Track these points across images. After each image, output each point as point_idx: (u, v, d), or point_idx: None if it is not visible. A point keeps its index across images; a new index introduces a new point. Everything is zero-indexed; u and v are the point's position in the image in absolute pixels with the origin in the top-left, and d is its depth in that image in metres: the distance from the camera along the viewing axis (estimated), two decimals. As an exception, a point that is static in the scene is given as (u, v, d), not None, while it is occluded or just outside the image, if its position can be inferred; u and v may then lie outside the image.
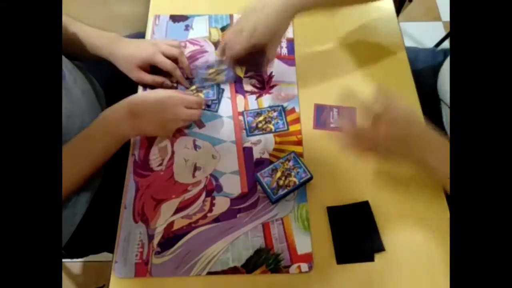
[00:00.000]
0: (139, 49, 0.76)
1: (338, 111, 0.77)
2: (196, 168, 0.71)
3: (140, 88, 0.80)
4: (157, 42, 0.78)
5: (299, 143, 0.74)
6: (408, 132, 0.61)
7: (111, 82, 0.90)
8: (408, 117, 0.62)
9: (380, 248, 0.64)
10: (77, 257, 0.89)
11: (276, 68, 0.83)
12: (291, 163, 0.69)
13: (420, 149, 0.60)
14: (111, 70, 0.78)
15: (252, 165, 0.71)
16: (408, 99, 0.79)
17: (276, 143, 0.74)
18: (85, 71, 0.85)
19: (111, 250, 0.65)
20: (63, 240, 0.75)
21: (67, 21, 0.76)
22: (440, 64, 0.89)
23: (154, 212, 0.67)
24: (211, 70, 0.80)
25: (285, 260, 0.63)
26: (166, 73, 0.78)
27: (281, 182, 0.67)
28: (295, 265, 0.63)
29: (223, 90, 0.79)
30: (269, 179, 0.67)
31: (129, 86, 0.79)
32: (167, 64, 0.76)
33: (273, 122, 0.76)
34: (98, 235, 0.78)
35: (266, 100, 0.78)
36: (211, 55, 0.84)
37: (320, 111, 0.77)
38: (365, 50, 0.84)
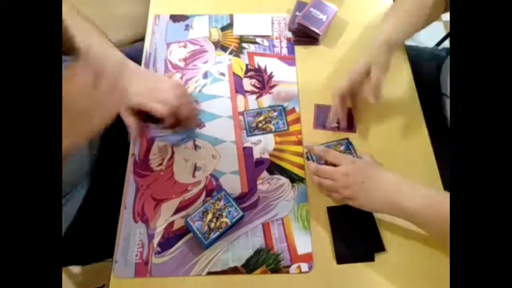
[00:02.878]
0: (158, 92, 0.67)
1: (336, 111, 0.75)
2: (196, 168, 0.71)
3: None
4: (182, 95, 0.69)
5: (299, 143, 0.74)
6: (368, 172, 0.63)
7: None
8: (370, 161, 0.65)
9: (380, 248, 0.64)
10: (77, 264, 0.88)
11: (276, 68, 0.83)
12: (222, 203, 0.66)
13: (386, 191, 0.61)
14: None
15: (252, 165, 0.71)
16: (408, 99, 0.79)
17: (276, 143, 0.74)
18: None
19: (110, 254, 0.65)
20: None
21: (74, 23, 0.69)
22: (443, 59, 0.89)
23: (154, 212, 0.67)
24: (260, 118, 0.76)
25: (285, 260, 0.63)
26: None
27: (212, 225, 0.64)
28: (295, 265, 0.63)
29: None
30: (200, 223, 0.64)
31: None
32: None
33: (273, 122, 0.76)
34: (98, 235, 0.78)
35: (266, 100, 0.78)
36: (211, 54, 0.84)
37: (321, 111, 0.77)
38: (365, 50, 0.84)
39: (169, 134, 0.74)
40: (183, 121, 0.70)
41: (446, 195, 0.57)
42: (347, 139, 0.72)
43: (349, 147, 0.70)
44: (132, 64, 0.70)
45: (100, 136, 0.79)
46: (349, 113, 0.75)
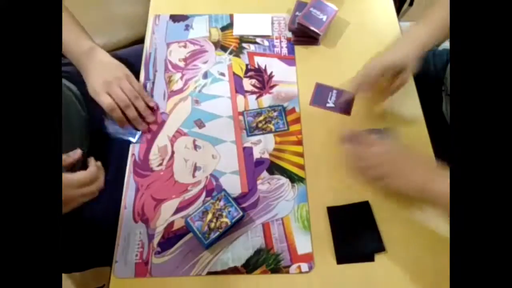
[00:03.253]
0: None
1: (337, 93, 0.79)
2: (196, 168, 0.71)
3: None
4: (136, 95, 0.73)
5: (299, 143, 0.74)
6: (399, 153, 0.64)
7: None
8: (400, 144, 0.67)
9: (380, 248, 0.64)
10: (77, 270, 0.88)
11: (276, 68, 0.83)
12: (222, 203, 0.65)
13: (415, 171, 0.61)
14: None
15: (252, 165, 0.71)
16: (408, 99, 0.79)
17: (276, 143, 0.74)
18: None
19: (110, 258, 0.64)
20: None
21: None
22: (443, 59, 0.89)
23: (154, 212, 0.67)
24: (260, 118, 0.76)
25: (285, 260, 0.63)
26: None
27: (212, 225, 0.64)
28: (295, 265, 0.63)
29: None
30: (200, 223, 0.64)
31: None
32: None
33: (273, 122, 0.76)
34: (98, 236, 0.78)
35: (266, 100, 0.78)
36: (211, 54, 0.84)
37: (320, 90, 0.79)
38: (365, 50, 0.84)
39: (118, 128, 0.74)
40: (131, 119, 0.73)
41: None
42: (224, 190, 0.68)
43: (228, 199, 0.66)
44: (100, 54, 0.73)
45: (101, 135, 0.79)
46: (347, 97, 0.77)
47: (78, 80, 0.76)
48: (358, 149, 0.66)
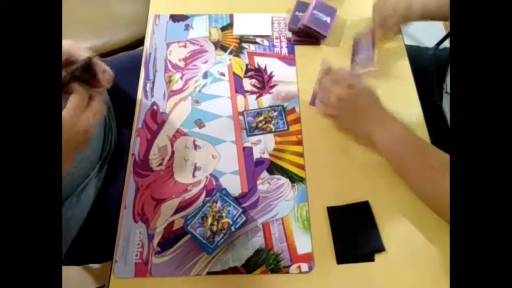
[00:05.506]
0: None
1: None
2: (196, 168, 0.71)
3: (140, 89, 0.80)
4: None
5: (299, 143, 0.74)
6: (359, 101, 0.67)
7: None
8: (365, 92, 0.69)
9: (380, 248, 0.64)
10: (78, 264, 0.88)
11: (276, 68, 0.83)
12: (219, 204, 0.65)
13: (367, 121, 0.67)
14: (111, 67, 0.76)
15: (252, 165, 0.71)
16: (409, 99, 0.79)
17: (276, 143, 0.74)
18: None
19: (110, 255, 0.64)
20: (68, 240, 0.75)
21: None
22: (443, 59, 0.90)
23: (154, 212, 0.67)
24: (260, 118, 0.76)
25: (285, 260, 0.63)
26: None
27: (214, 228, 0.63)
28: (295, 265, 0.63)
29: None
30: (202, 229, 0.63)
31: (131, 84, 0.79)
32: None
33: (273, 122, 0.76)
34: (98, 236, 0.78)
35: (266, 100, 0.78)
36: (211, 54, 0.84)
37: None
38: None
39: None
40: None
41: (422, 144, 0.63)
42: (218, 191, 0.67)
43: (224, 199, 0.65)
44: None
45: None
46: None
47: None
48: (326, 84, 0.69)
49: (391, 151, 0.65)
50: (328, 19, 0.84)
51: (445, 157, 0.59)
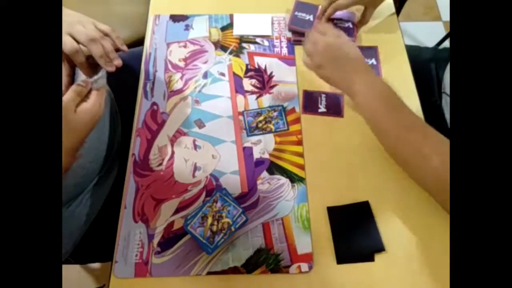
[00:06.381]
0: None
1: (327, 96, 0.79)
2: (196, 168, 0.71)
3: (140, 91, 0.80)
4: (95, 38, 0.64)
5: (299, 143, 0.74)
6: (341, 52, 0.69)
7: (113, 78, 0.89)
8: (352, 44, 0.71)
9: (380, 248, 0.64)
10: (80, 263, 0.88)
11: (276, 68, 0.83)
12: (219, 204, 0.65)
13: (352, 70, 0.67)
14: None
15: (252, 165, 0.71)
16: (409, 99, 0.78)
17: (276, 143, 0.74)
18: None
19: (110, 255, 0.65)
20: (74, 240, 0.75)
21: None
22: (443, 59, 0.90)
23: (154, 212, 0.67)
24: (260, 118, 0.76)
25: (285, 260, 0.63)
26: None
27: (214, 228, 0.63)
28: (295, 265, 0.63)
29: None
30: (202, 229, 0.63)
31: (132, 80, 0.79)
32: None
33: (273, 122, 0.76)
34: (98, 237, 0.78)
35: (266, 100, 0.79)
36: (211, 54, 0.84)
37: (309, 96, 0.79)
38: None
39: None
40: (97, 57, 0.64)
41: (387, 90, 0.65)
42: (218, 191, 0.67)
43: (224, 199, 0.65)
44: (66, 10, 0.66)
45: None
46: (338, 99, 0.78)
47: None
48: (314, 35, 0.72)
49: (368, 105, 0.65)
50: (311, 17, 0.85)
51: (419, 119, 0.62)
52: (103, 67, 0.64)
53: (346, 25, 0.84)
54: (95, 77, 0.61)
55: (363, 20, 0.84)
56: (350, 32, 0.83)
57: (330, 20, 0.83)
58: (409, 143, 0.59)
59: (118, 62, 0.65)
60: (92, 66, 0.65)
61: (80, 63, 0.64)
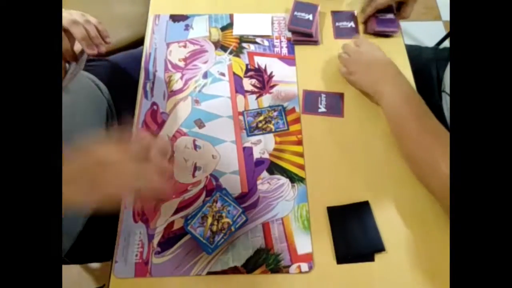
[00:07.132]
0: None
1: (327, 96, 0.79)
2: (196, 168, 0.71)
3: (140, 89, 0.80)
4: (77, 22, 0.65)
5: (299, 143, 0.74)
6: (372, 58, 0.75)
7: (113, 78, 0.89)
8: (382, 52, 0.76)
9: (380, 248, 0.64)
10: (79, 263, 0.88)
11: (276, 68, 0.83)
12: (219, 204, 0.65)
13: (381, 74, 0.72)
14: (111, 66, 0.77)
15: (252, 165, 0.71)
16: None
17: (276, 143, 0.74)
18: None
19: (110, 255, 0.64)
20: (69, 242, 0.75)
21: None
22: (443, 59, 0.90)
23: (154, 212, 0.67)
24: (260, 118, 0.76)
25: (285, 260, 0.63)
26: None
27: (214, 228, 0.63)
28: (295, 265, 0.63)
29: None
30: (202, 229, 0.63)
31: (131, 82, 0.79)
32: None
33: (273, 122, 0.76)
34: (98, 237, 0.78)
35: (266, 100, 0.78)
36: (211, 54, 0.84)
37: (309, 96, 0.79)
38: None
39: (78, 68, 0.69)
40: (91, 37, 0.65)
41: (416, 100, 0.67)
42: (218, 191, 0.67)
43: (224, 199, 0.66)
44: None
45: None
46: (337, 99, 0.78)
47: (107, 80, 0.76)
48: (349, 47, 0.79)
49: (394, 107, 0.68)
50: (310, 17, 0.85)
51: (442, 127, 0.63)
52: (85, 50, 0.65)
53: (388, 16, 0.86)
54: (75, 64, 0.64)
55: (404, 14, 0.86)
56: (393, 23, 0.85)
57: (372, 15, 0.86)
58: (427, 148, 0.60)
59: (102, 49, 0.66)
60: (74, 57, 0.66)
61: (81, 33, 0.63)
